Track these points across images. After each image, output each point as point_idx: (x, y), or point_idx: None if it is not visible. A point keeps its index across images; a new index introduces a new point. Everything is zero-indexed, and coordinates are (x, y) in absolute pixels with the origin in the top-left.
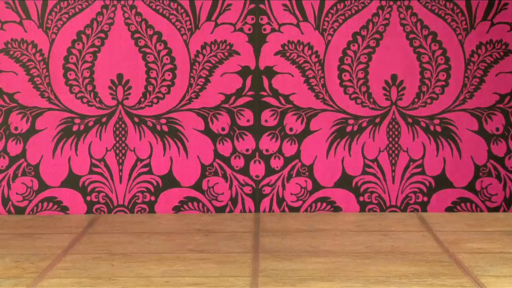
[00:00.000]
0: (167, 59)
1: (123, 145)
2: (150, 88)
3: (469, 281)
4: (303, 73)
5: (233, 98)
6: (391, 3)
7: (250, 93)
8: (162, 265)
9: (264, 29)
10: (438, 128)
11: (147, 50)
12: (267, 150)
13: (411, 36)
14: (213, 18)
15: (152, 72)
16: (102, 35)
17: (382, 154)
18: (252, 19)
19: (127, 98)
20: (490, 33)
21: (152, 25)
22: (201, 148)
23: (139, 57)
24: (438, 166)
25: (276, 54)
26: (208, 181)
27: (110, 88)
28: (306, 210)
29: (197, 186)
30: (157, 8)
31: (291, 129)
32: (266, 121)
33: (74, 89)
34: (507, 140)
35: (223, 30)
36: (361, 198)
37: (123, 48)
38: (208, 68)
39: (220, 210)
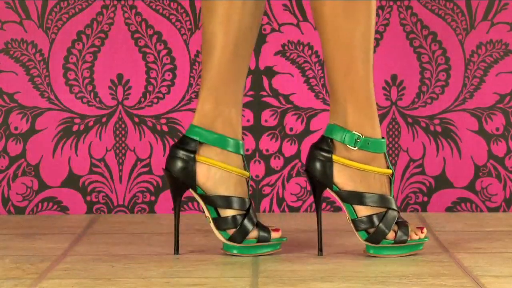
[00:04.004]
0: (167, 59)
1: (123, 145)
2: (150, 88)
3: (469, 281)
4: (303, 73)
5: None
6: (391, 3)
7: (250, 93)
8: (162, 266)
9: (264, 29)
10: (438, 128)
11: (147, 50)
12: (267, 150)
13: (411, 36)
14: None
15: (152, 72)
16: (102, 35)
17: None
18: None
19: (127, 98)
20: (490, 33)
21: (152, 25)
22: None
23: (139, 57)
24: (438, 166)
25: (276, 54)
26: None
27: (110, 88)
28: (306, 210)
29: None
30: (157, 8)
31: (291, 129)
32: (266, 121)
33: (74, 89)
34: (507, 140)
35: None
36: None
37: (123, 48)
38: None
39: None
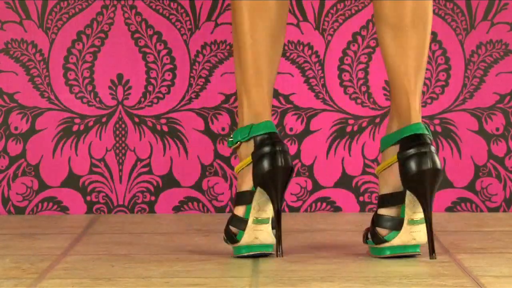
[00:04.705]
0: (167, 59)
1: (123, 145)
2: (150, 88)
3: (469, 281)
4: (303, 73)
5: (233, 98)
6: None
7: None
8: (162, 266)
9: None
10: (438, 128)
11: (147, 50)
12: None
13: None
14: (213, 18)
15: (152, 72)
16: (102, 35)
17: None
18: None
19: (127, 98)
20: (490, 33)
21: (152, 25)
22: (201, 148)
23: (139, 57)
24: None
25: None
26: (208, 181)
27: (110, 88)
28: (306, 210)
29: (197, 186)
30: (157, 8)
31: (291, 129)
32: None
33: (74, 89)
34: (507, 140)
35: (223, 30)
36: (361, 198)
37: (123, 48)
38: (208, 68)
39: (220, 210)
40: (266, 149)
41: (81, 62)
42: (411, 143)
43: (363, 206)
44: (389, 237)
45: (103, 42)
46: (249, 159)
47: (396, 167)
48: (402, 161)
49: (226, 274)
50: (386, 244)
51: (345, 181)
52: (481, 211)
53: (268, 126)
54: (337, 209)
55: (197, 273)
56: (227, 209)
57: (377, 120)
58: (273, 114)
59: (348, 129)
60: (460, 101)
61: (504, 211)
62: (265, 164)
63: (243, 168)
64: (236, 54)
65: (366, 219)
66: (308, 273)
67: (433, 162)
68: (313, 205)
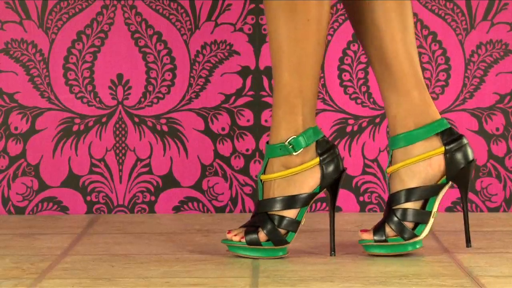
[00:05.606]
0: (167, 59)
1: (123, 145)
2: (150, 88)
3: (469, 281)
4: None
5: (233, 98)
6: None
7: (250, 93)
8: (162, 266)
9: (264, 29)
10: None
11: (147, 50)
12: None
13: None
14: (213, 18)
15: (152, 72)
16: (102, 35)
17: (382, 154)
18: (252, 19)
19: (127, 98)
20: (490, 33)
21: (152, 25)
22: (201, 148)
23: (139, 57)
24: None
25: None
26: (208, 181)
27: (110, 88)
28: None
29: (197, 186)
30: (157, 8)
31: None
32: (266, 121)
33: (74, 89)
34: (507, 140)
35: (223, 30)
36: (361, 198)
37: (123, 48)
38: (208, 68)
39: (220, 210)
40: (335, 151)
41: (81, 62)
42: (452, 136)
43: (363, 206)
44: (418, 231)
45: (103, 42)
46: (314, 161)
47: (435, 160)
48: (450, 154)
49: (226, 274)
50: (416, 239)
51: (345, 181)
52: (481, 211)
53: (319, 129)
54: (337, 209)
55: (197, 273)
56: (227, 209)
57: (377, 120)
58: None
59: (348, 129)
60: (460, 101)
61: (504, 211)
62: (335, 165)
63: (296, 173)
64: (295, 61)
65: (366, 219)
66: (308, 273)
67: (472, 154)
68: (313, 205)
